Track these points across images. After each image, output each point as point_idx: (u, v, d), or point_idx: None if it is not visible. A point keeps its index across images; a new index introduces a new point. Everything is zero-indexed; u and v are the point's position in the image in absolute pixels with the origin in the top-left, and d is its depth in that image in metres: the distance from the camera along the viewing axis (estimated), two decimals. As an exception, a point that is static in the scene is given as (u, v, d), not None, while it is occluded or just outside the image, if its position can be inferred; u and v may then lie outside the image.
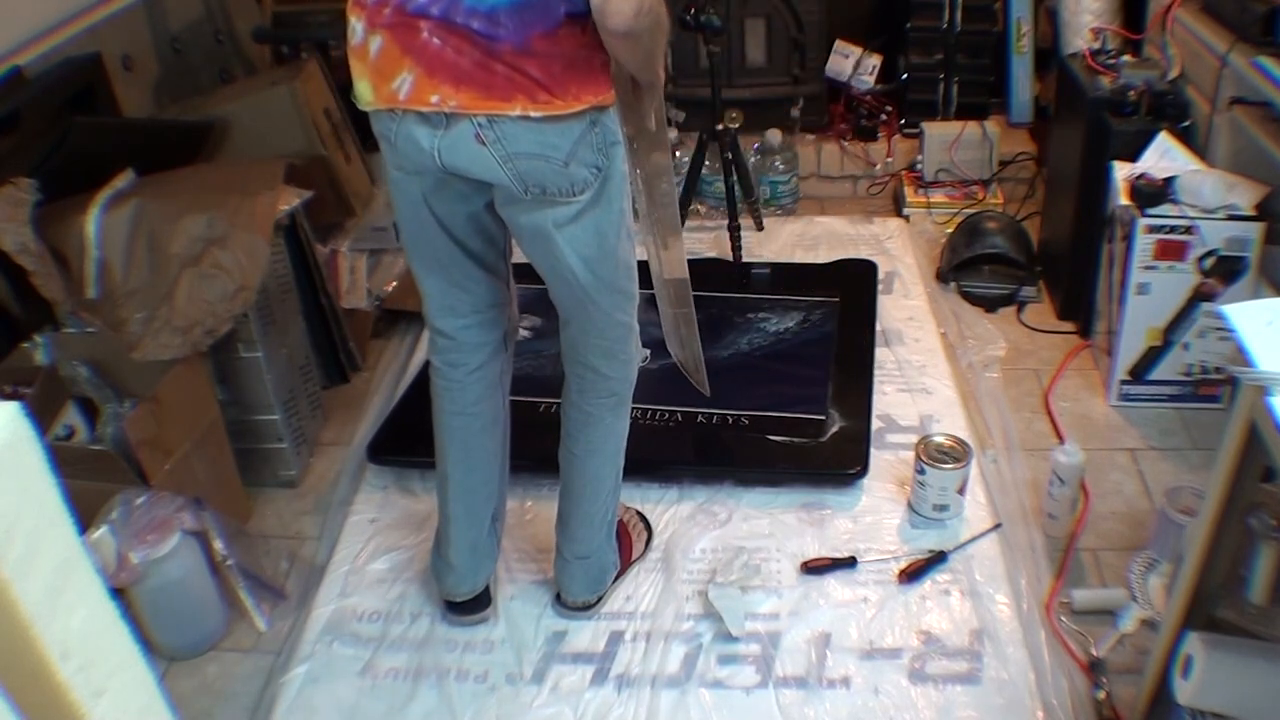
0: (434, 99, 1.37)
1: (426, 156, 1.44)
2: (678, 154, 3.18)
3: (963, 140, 3.12)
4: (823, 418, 2.21)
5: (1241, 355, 1.18)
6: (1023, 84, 3.30)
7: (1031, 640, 1.76)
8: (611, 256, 1.54)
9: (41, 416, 1.79)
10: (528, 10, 1.32)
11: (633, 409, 2.17)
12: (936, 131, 3.15)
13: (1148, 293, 2.18)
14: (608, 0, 1.27)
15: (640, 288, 1.66)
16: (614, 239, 1.53)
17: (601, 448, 1.75)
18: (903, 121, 3.36)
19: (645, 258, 1.71)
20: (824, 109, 3.39)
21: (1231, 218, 2.10)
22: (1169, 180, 2.15)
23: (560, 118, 1.37)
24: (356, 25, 1.41)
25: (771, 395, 2.28)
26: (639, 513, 2.03)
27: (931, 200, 3.12)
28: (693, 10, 2.51)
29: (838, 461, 2.11)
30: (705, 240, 3.02)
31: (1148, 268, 2.16)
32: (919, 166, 3.21)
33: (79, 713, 0.67)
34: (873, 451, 2.13)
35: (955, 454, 1.98)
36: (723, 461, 2.18)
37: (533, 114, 1.36)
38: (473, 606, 1.84)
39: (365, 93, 1.45)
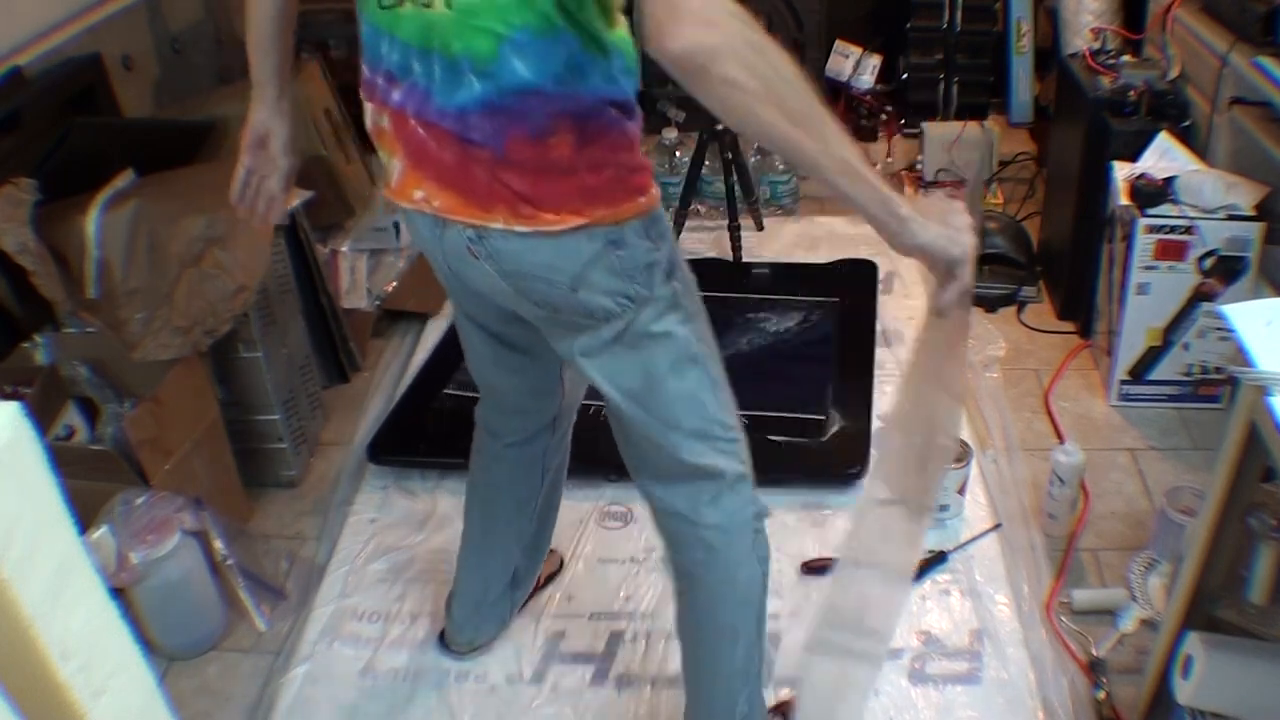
0: (417, 194, 1.20)
1: (438, 259, 1.28)
2: (678, 154, 3.18)
3: (963, 140, 3.12)
4: (823, 418, 2.21)
5: (1241, 355, 1.18)
6: (1023, 84, 3.31)
7: (1031, 640, 1.76)
8: (661, 389, 1.26)
9: (41, 416, 1.79)
10: (502, 114, 1.09)
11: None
12: (936, 132, 3.15)
13: (1148, 293, 2.18)
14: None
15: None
16: (664, 369, 1.25)
17: (709, 618, 1.41)
18: (903, 121, 3.36)
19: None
20: (824, 109, 3.39)
21: (1231, 218, 2.10)
22: (1169, 180, 2.15)
23: (552, 234, 1.14)
24: (370, 109, 1.26)
25: (771, 395, 2.28)
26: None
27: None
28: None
29: (838, 461, 2.11)
30: (705, 240, 3.02)
31: (1148, 268, 2.16)
32: (919, 166, 3.21)
33: (79, 713, 0.67)
34: (873, 452, 2.13)
35: (955, 454, 1.98)
36: (723, 461, 2.17)
37: (516, 228, 1.14)
38: (463, 654, 1.79)
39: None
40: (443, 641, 1.80)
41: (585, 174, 1.12)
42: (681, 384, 1.26)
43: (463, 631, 1.77)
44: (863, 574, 1.35)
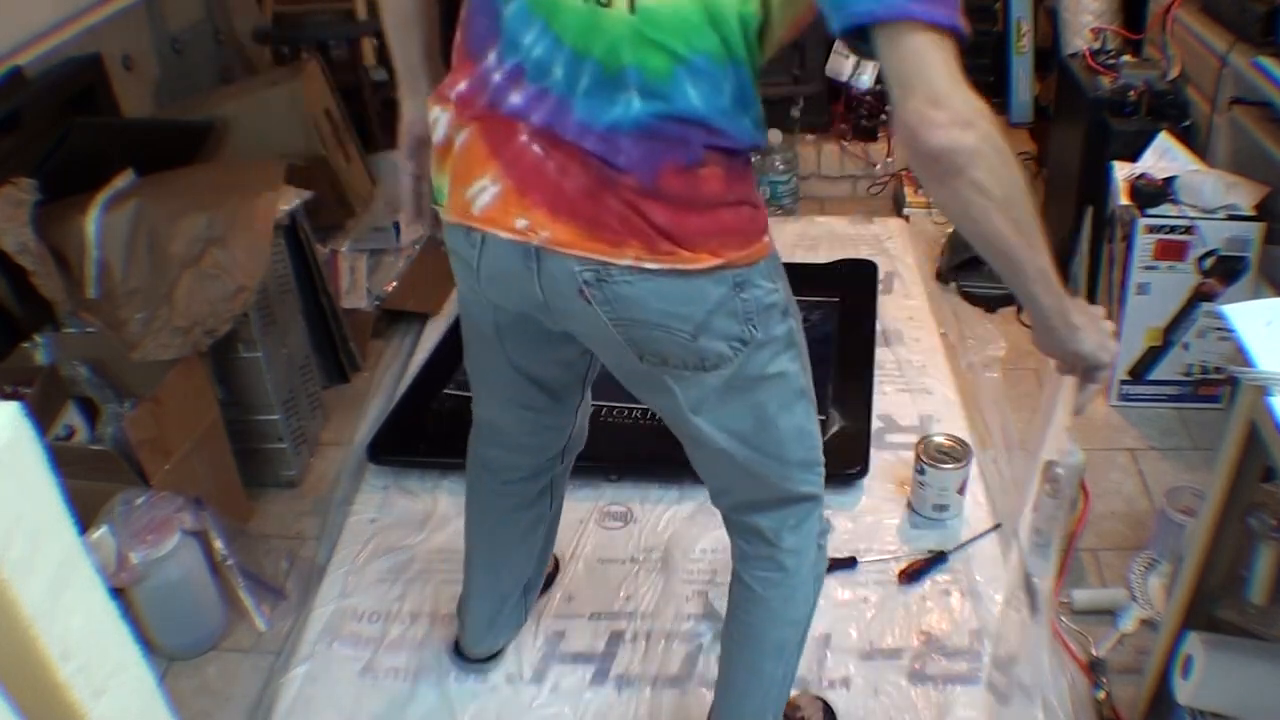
0: (519, 223, 1.07)
1: (527, 296, 1.14)
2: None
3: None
4: (823, 417, 2.20)
5: (1241, 355, 1.18)
6: (1023, 84, 3.30)
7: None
8: (772, 427, 1.23)
9: (41, 416, 1.79)
10: (658, 139, 1.02)
11: (632, 409, 2.18)
12: (936, 132, 3.14)
13: (1148, 293, 2.18)
14: (911, 90, 0.91)
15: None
16: (775, 408, 1.21)
17: (763, 634, 1.38)
18: (903, 121, 3.36)
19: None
20: (824, 109, 3.39)
21: (1231, 218, 2.10)
22: (1169, 180, 2.15)
23: (686, 274, 1.06)
24: (440, 117, 1.14)
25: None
26: (825, 705, 1.65)
27: (931, 200, 3.12)
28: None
29: (837, 461, 2.10)
30: (705, 240, 3.01)
31: (1148, 268, 2.16)
32: (919, 166, 3.20)
33: (79, 713, 0.67)
34: (873, 451, 2.13)
35: (955, 454, 1.98)
36: (723, 461, 2.17)
37: (648, 265, 1.05)
38: (476, 660, 1.75)
39: (440, 193, 1.17)
40: (457, 651, 1.75)
41: (725, 211, 1.07)
42: (791, 419, 1.23)
43: (480, 643, 1.72)
44: None
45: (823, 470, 1.34)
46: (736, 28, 1.00)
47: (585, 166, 1.04)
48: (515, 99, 1.06)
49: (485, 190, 1.08)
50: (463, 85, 1.11)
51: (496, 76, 1.07)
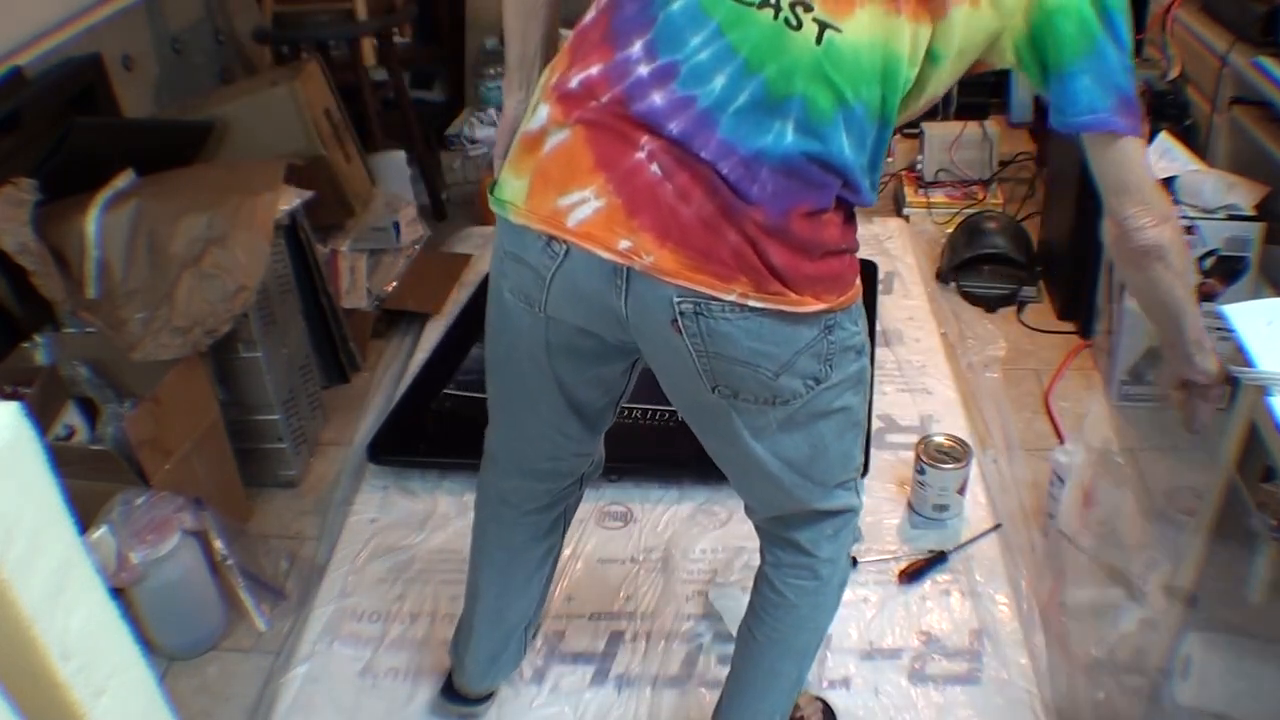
0: (623, 245, 1.01)
1: (604, 312, 1.09)
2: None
3: (963, 140, 3.12)
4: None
5: (1241, 355, 1.18)
6: (1023, 84, 3.30)
7: (1031, 640, 1.76)
8: (825, 455, 1.21)
9: (41, 416, 1.79)
10: (799, 179, 1.00)
11: (632, 409, 2.18)
12: (936, 131, 3.15)
13: (1148, 293, 2.18)
14: (1123, 195, 1.07)
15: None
16: (831, 438, 1.20)
17: (789, 639, 1.37)
18: (903, 121, 3.36)
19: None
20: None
21: (1231, 218, 2.10)
22: (1169, 180, 2.15)
23: (786, 315, 1.04)
24: (542, 109, 1.07)
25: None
26: (824, 705, 1.64)
27: (931, 200, 3.12)
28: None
29: (838, 461, 2.11)
30: (705, 240, 3.01)
31: (1148, 268, 2.16)
32: (919, 166, 3.21)
33: (79, 713, 0.67)
34: (873, 451, 2.13)
35: (955, 454, 1.98)
36: (723, 461, 2.17)
37: (753, 303, 1.02)
38: (472, 700, 1.65)
39: (511, 191, 1.08)
40: (449, 691, 1.64)
41: (833, 258, 1.07)
42: (841, 446, 1.23)
43: (481, 681, 1.62)
44: None
45: (859, 483, 1.33)
46: (899, 88, 1.02)
47: (712, 192, 0.99)
48: (657, 100, 1.00)
49: (586, 204, 1.02)
50: (595, 70, 1.03)
51: (642, 70, 1.01)
